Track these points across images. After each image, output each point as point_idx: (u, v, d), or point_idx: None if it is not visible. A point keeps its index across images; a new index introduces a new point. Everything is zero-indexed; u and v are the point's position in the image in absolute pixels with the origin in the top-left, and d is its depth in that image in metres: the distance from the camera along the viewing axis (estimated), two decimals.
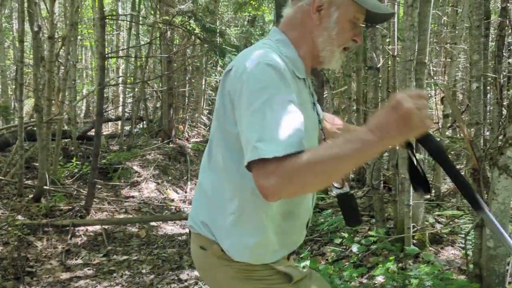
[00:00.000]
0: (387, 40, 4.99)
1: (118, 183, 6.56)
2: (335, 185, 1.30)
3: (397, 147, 2.40)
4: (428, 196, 4.41)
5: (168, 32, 7.34)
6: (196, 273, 3.87)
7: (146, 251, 4.49)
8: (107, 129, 12.09)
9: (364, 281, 3.06)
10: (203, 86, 11.06)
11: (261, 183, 0.94)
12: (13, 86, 9.90)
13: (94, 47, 12.14)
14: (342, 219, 1.36)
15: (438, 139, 1.04)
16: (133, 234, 4.99)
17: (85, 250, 4.40)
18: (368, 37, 3.58)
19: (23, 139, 5.31)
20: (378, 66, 3.53)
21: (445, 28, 8.71)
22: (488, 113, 4.42)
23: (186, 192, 7.22)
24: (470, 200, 1.02)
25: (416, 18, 3.09)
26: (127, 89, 10.47)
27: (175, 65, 8.95)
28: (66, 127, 7.56)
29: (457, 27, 4.88)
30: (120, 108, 10.82)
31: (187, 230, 5.42)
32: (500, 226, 1.02)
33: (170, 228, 5.44)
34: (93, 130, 6.84)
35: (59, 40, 7.05)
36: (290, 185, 0.93)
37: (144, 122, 10.52)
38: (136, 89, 9.00)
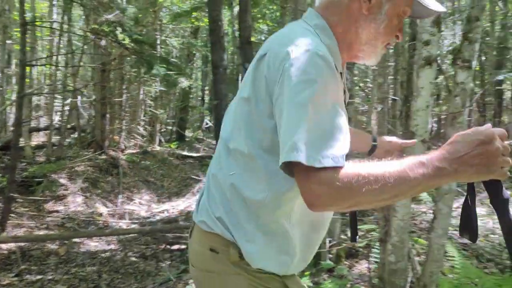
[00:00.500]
0: None
1: (39, 198, 6.20)
2: None
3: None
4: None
5: (103, 41, 7.15)
6: None
7: (63, 270, 4.25)
8: (38, 139, 11.46)
9: None
10: (141, 95, 10.81)
11: (312, 189, 0.83)
12: None
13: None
14: None
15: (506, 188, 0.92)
16: (52, 252, 4.72)
17: None
18: None
19: None
20: None
21: None
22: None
23: (116, 206, 6.97)
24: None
25: None
26: (58, 98, 10.00)
27: (112, 74, 8.70)
28: None
29: None
30: (53, 117, 10.31)
31: (112, 246, 5.22)
32: None
33: (94, 244, 5.20)
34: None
35: None
36: (343, 199, 0.83)
37: (77, 132, 10.08)
38: (70, 99, 8.63)
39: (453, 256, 2.87)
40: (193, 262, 1.17)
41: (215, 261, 1.08)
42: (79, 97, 8.48)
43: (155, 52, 5.95)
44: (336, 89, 0.93)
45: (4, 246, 4.54)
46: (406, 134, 2.47)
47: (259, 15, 10.99)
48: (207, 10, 6.10)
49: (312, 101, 0.86)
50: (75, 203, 6.48)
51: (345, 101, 1.11)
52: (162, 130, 13.26)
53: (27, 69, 8.47)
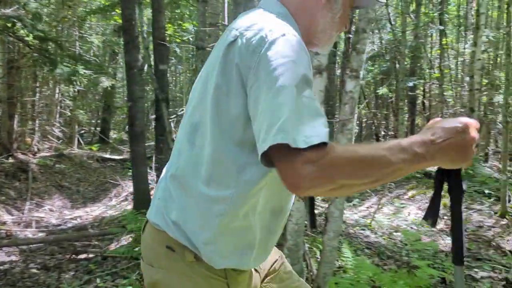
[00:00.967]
0: None
1: None
2: None
3: None
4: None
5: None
6: None
7: None
8: None
9: None
10: (57, 95, 10.19)
11: (298, 170, 0.77)
12: None
13: None
14: None
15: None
16: None
17: None
18: (199, 59, 3.63)
19: None
20: None
21: None
22: None
23: (23, 213, 6.49)
24: (457, 252, 0.99)
25: None
26: None
27: (23, 72, 8.09)
28: None
29: None
30: None
31: (12, 257, 4.83)
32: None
33: None
34: None
35: None
36: (327, 180, 0.79)
37: None
38: None
39: (347, 257, 3.00)
40: (144, 256, 1.12)
41: (169, 259, 1.04)
42: None
43: (62, 49, 5.60)
44: (311, 73, 0.92)
45: None
46: None
47: (187, 15, 10.85)
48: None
49: (293, 83, 0.83)
50: None
51: None
52: (82, 132, 12.60)
53: None
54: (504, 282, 3.68)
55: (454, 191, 0.97)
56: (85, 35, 11.01)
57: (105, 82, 11.89)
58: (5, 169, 7.32)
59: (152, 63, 5.46)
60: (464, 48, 12.11)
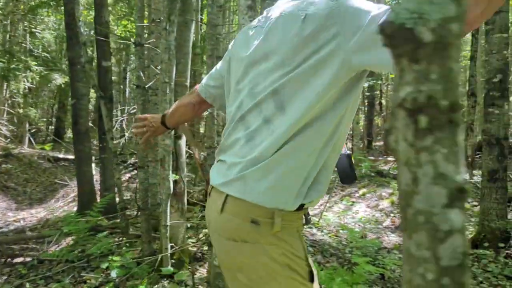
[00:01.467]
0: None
1: None
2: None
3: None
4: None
5: None
6: None
7: None
8: None
9: None
10: (5, 93, 9.75)
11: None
12: None
13: None
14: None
15: None
16: None
17: None
18: (136, 56, 3.54)
19: None
20: (147, 85, 3.52)
21: None
22: None
23: None
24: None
25: (172, 41, 3.16)
26: None
27: None
28: None
29: None
30: None
31: None
32: None
33: None
34: None
35: None
36: None
37: None
38: None
39: None
40: (221, 232, 1.10)
41: (254, 232, 1.04)
42: None
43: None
44: None
45: None
46: None
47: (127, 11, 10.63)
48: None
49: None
50: None
51: None
52: (34, 131, 12.12)
53: None
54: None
55: None
56: (36, 30, 10.59)
57: (58, 79, 11.49)
58: None
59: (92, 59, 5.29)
60: None
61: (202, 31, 9.43)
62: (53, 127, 13.53)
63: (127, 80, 15.21)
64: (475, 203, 6.03)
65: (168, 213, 3.17)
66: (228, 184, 1.09)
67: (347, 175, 1.33)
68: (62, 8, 9.42)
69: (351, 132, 12.37)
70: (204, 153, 2.52)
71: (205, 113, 3.24)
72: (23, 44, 10.52)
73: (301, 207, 1.07)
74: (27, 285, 3.38)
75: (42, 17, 10.50)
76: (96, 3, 4.61)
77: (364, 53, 0.93)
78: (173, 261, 3.28)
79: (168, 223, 3.18)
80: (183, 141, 3.36)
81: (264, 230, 1.04)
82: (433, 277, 0.38)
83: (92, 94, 12.06)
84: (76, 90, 5.06)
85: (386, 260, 4.09)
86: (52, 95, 13.32)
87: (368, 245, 4.47)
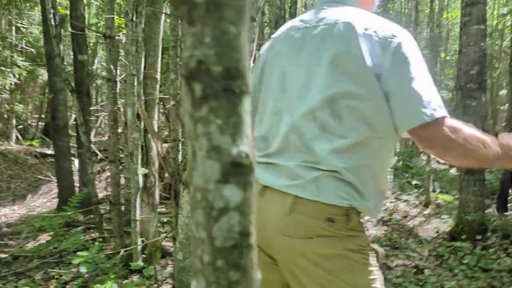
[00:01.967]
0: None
1: None
2: None
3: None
4: None
5: None
6: None
7: None
8: None
9: None
10: None
11: (445, 133, 1.02)
12: None
13: None
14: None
15: None
16: None
17: None
18: (106, 49, 3.49)
19: None
20: (117, 79, 3.47)
21: None
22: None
23: None
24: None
25: (141, 33, 3.11)
26: None
27: None
28: None
29: None
30: None
31: None
32: None
33: None
34: None
35: None
36: (462, 147, 1.03)
37: None
38: None
39: None
40: (292, 232, 1.13)
41: (330, 227, 1.09)
42: None
43: None
44: None
45: None
46: None
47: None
48: None
49: (426, 71, 1.07)
50: None
51: None
52: (21, 127, 12.03)
53: None
54: (415, 270, 3.78)
55: None
56: (21, 25, 10.47)
57: (46, 75, 11.39)
58: None
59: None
60: None
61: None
62: (42, 123, 13.44)
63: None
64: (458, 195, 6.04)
65: (138, 208, 3.14)
66: (298, 186, 1.12)
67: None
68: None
69: None
70: (166, 146, 2.50)
71: (168, 105, 3.21)
72: (8, 39, 10.41)
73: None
74: None
75: (25, 11, 10.39)
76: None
77: None
78: (144, 256, 3.25)
79: (138, 218, 3.15)
80: None
81: (340, 226, 1.10)
82: (208, 260, 0.35)
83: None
84: (54, 84, 5.01)
85: None
86: (41, 91, 13.21)
87: None
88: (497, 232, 4.24)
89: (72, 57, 5.92)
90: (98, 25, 10.92)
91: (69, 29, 5.62)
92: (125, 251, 3.10)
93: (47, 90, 13.24)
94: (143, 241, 3.23)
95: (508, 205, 5.42)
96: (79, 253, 3.11)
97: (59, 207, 5.13)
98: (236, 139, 0.34)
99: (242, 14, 0.36)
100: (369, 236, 4.91)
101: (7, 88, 10.88)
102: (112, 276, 2.95)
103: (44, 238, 4.56)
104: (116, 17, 3.63)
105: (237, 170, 0.34)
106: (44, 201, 6.77)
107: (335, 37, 1.13)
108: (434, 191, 5.77)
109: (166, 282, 3.00)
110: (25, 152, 9.95)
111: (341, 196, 1.10)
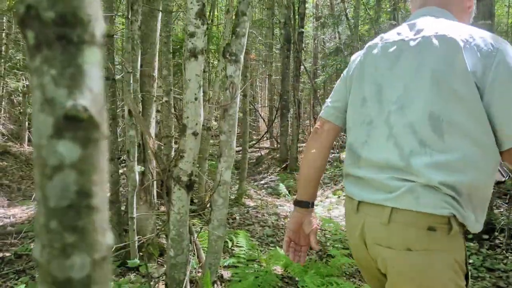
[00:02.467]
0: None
1: None
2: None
3: None
4: None
5: None
6: None
7: None
8: None
9: None
10: (2, 91, 9.82)
11: None
12: None
13: None
14: None
15: None
16: None
17: None
18: (105, 48, 3.50)
19: None
20: (116, 77, 3.48)
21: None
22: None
23: None
24: None
25: (136, 31, 3.11)
26: None
27: None
28: None
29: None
30: None
31: None
32: None
33: None
34: None
35: None
36: None
37: None
38: None
39: (241, 246, 2.94)
40: (390, 242, 1.14)
41: (430, 239, 1.09)
42: None
43: None
44: None
45: None
46: (181, 127, 2.45)
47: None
48: None
49: None
50: None
51: None
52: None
53: None
54: None
55: None
56: None
57: None
58: None
59: None
60: None
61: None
62: None
63: None
64: None
65: (135, 205, 3.14)
66: (394, 198, 1.12)
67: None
68: None
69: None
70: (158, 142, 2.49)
71: (161, 101, 3.21)
72: (20, 42, 10.58)
73: None
74: None
75: None
76: None
77: None
78: (141, 253, 3.25)
79: (135, 215, 3.15)
80: (152, 131, 3.32)
81: (441, 235, 1.09)
82: (43, 221, 0.32)
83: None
84: None
85: None
86: None
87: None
88: (504, 232, 4.12)
89: None
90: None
91: None
92: (122, 248, 3.10)
93: None
94: (139, 239, 3.22)
95: None
96: None
97: None
98: (73, 92, 0.32)
99: None
100: None
101: (20, 90, 11.06)
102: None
103: None
104: (114, 15, 3.65)
105: (72, 125, 0.31)
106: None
107: (435, 50, 1.12)
108: None
109: (162, 280, 2.98)
110: None
111: (441, 206, 1.09)
